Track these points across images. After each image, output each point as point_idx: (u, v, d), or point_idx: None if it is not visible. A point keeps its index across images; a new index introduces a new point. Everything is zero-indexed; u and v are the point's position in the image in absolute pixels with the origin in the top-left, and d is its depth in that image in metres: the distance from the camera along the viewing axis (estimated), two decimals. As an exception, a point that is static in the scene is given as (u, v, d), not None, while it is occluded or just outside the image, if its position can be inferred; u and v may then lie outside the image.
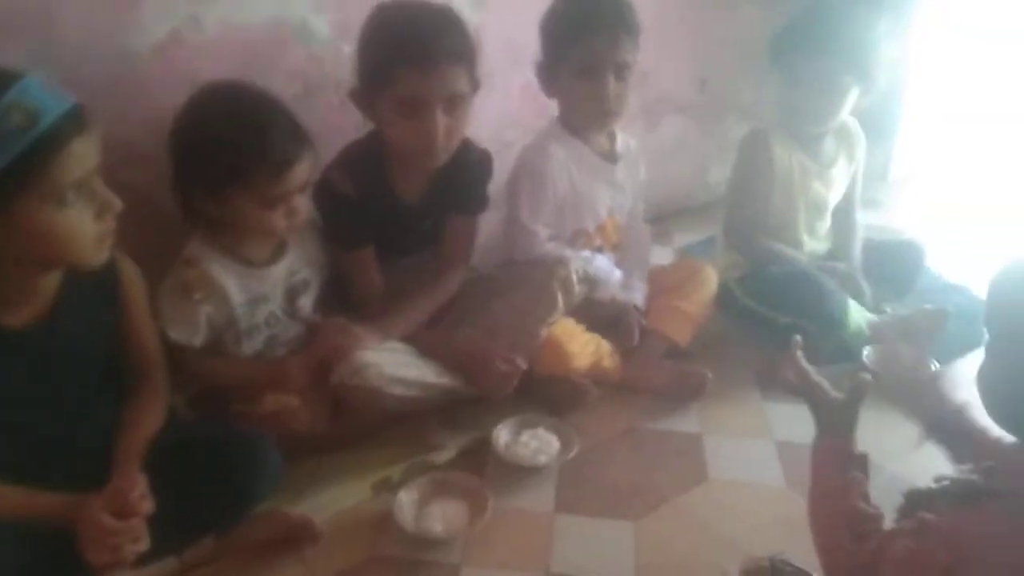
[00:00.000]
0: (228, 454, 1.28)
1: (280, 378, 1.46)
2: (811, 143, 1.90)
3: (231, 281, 1.44)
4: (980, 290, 2.09)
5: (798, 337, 1.24)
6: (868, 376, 1.16)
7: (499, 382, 1.57)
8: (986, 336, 0.99)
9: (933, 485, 1.08)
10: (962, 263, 2.19)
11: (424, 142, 1.51)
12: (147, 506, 1.13)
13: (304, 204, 1.42)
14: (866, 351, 1.80)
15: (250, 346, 1.51)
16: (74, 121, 1.04)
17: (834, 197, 1.96)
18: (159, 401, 1.32)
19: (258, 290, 1.48)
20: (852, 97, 1.80)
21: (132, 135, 1.55)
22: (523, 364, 1.57)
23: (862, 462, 1.11)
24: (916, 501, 1.09)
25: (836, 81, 1.78)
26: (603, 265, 1.79)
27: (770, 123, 1.92)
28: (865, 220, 2.08)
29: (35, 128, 0.99)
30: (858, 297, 1.87)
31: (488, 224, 1.83)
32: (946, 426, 1.60)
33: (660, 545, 1.37)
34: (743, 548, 1.33)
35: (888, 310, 1.92)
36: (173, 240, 1.54)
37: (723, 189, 2.74)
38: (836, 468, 1.09)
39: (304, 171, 1.39)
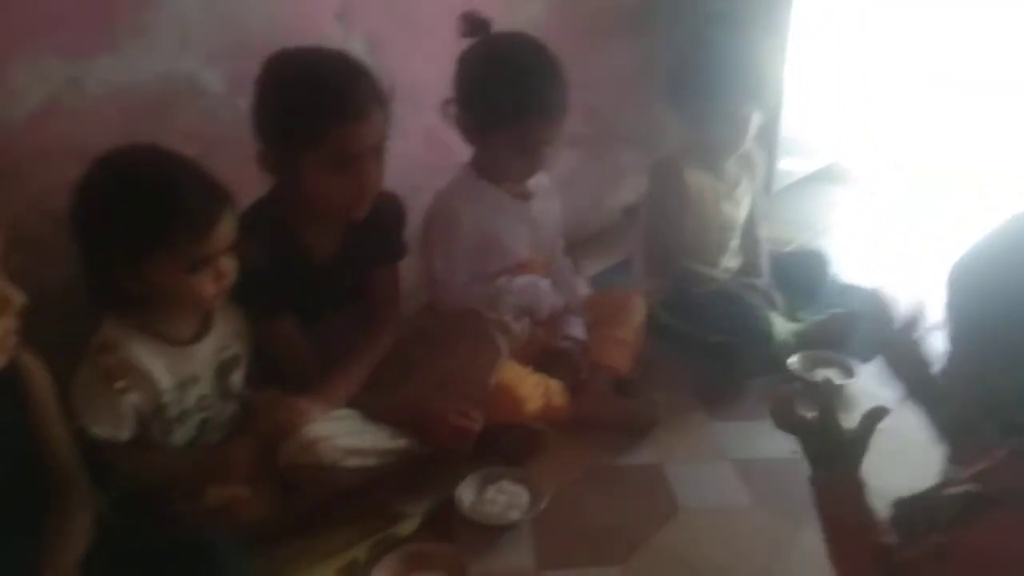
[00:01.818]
0: (190, 563, 1.14)
1: (223, 468, 1.32)
2: (717, 166, 1.97)
3: (156, 364, 1.30)
4: (871, 285, 2.26)
5: (790, 385, 1.21)
6: (884, 408, 1.12)
7: (457, 438, 1.50)
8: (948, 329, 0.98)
9: (922, 493, 1.09)
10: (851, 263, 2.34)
11: (354, 195, 1.44)
12: None
13: (231, 266, 1.30)
14: (791, 360, 1.87)
15: (182, 434, 1.36)
16: None
17: (742, 215, 2.03)
18: (83, 515, 1.17)
19: (187, 371, 1.34)
20: (756, 123, 1.88)
21: (12, 217, 1.37)
22: (479, 418, 1.51)
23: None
24: (907, 513, 1.09)
25: (741, 115, 1.85)
26: (525, 285, 1.76)
27: (676, 151, 1.97)
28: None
29: None
30: (774, 309, 1.95)
31: (403, 270, 1.76)
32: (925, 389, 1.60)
33: (653, 585, 1.34)
34: (732, 573, 1.32)
35: (802, 318, 2.01)
36: (70, 327, 1.37)
37: (618, 215, 2.84)
38: (853, 504, 1.05)
39: (228, 228, 1.28)
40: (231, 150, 1.61)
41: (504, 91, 1.59)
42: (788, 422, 1.15)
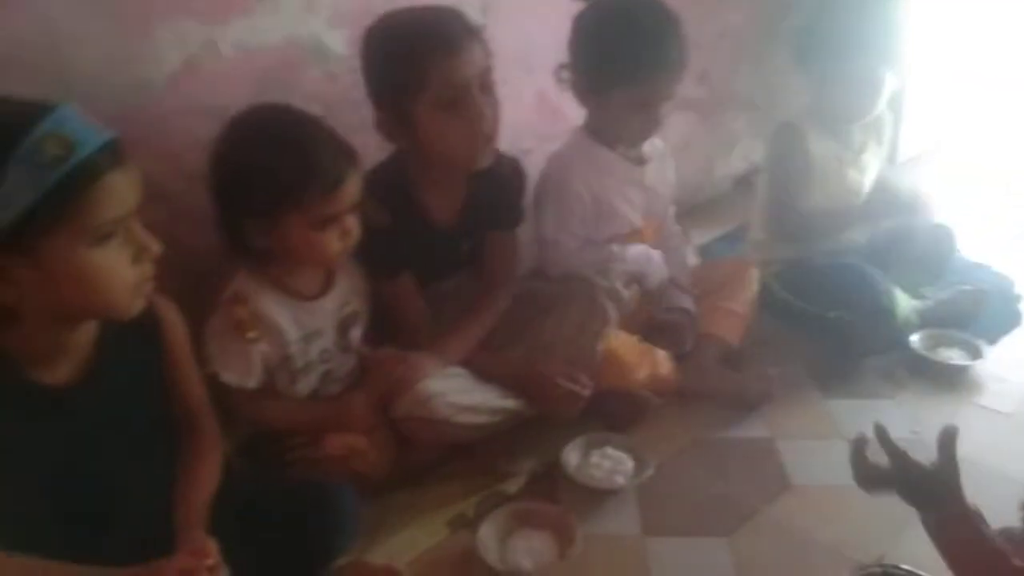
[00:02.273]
0: (307, 507, 1.20)
1: (344, 417, 1.38)
2: (841, 131, 1.88)
3: (284, 316, 1.36)
4: (1002, 266, 2.13)
5: (863, 435, 1.13)
6: (954, 427, 1.06)
7: (565, 403, 1.51)
8: None
9: None
10: (980, 241, 2.21)
11: (470, 136, 1.44)
12: (223, 575, 1.04)
13: (355, 225, 1.34)
14: (914, 338, 1.79)
15: (305, 384, 1.42)
16: (112, 154, 0.95)
17: (868, 183, 1.94)
18: (214, 455, 1.23)
19: (311, 324, 1.40)
20: (888, 87, 1.78)
21: (150, 171, 1.41)
22: (588, 383, 1.51)
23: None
24: None
25: (873, 77, 1.76)
26: (637, 255, 1.73)
27: (798, 116, 1.90)
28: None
29: (71, 159, 0.91)
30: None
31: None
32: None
33: (759, 559, 1.32)
34: (845, 554, 1.30)
35: (926, 294, 1.92)
36: (200, 280, 1.45)
37: (728, 183, 2.76)
38: (973, 535, 0.98)
39: (354, 188, 1.32)
40: (351, 112, 1.65)
41: (622, 47, 1.56)
42: (868, 480, 1.11)
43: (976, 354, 1.77)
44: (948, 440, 1.04)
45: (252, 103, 1.40)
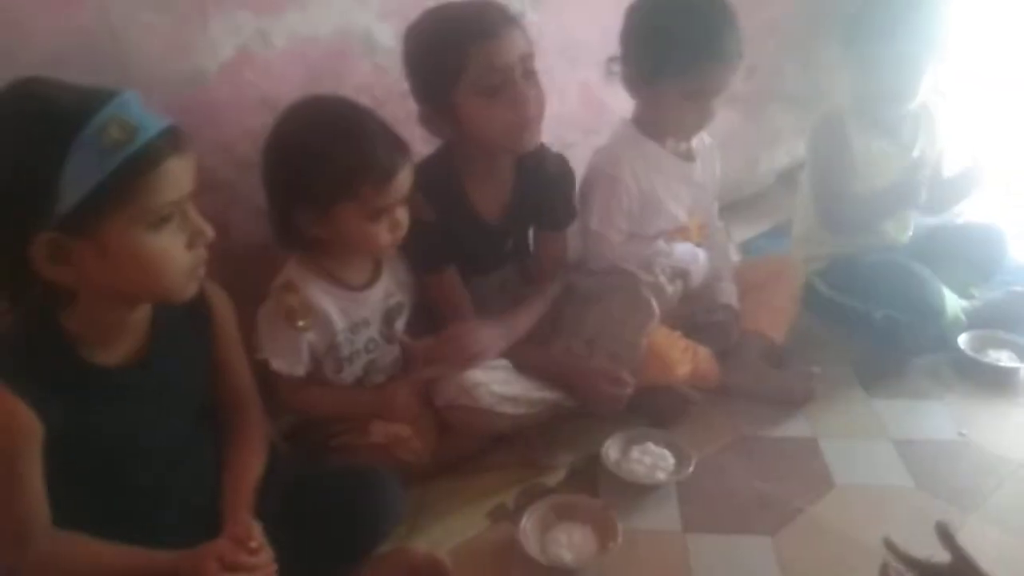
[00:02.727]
0: (352, 491, 1.22)
1: (389, 405, 1.40)
2: (889, 126, 1.84)
3: (333, 306, 1.38)
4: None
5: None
6: (946, 522, 1.09)
7: (609, 402, 1.52)
8: None
9: None
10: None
11: (514, 120, 1.43)
12: (266, 557, 1.06)
13: (405, 217, 1.36)
14: (962, 338, 1.76)
15: (350, 373, 1.44)
16: (171, 140, 0.97)
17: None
18: (261, 439, 1.25)
19: (358, 314, 1.41)
20: (930, 75, 1.75)
21: (204, 160, 1.45)
22: (631, 380, 1.51)
23: None
24: None
25: (917, 61, 1.73)
26: (684, 253, 1.73)
27: (840, 107, 1.87)
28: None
29: (133, 143, 0.93)
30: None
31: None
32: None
33: (803, 559, 1.31)
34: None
35: (975, 294, 1.88)
36: (250, 267, 1.48)
37: (771, 179, 2.73)
38: None
39: (406, 180, 1.33)
40: (398, 104, 1.66)
41: (676, 35, 1.54)
42: None
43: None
44: (945, 536, 1.06)
45: (304, 94, 1.42)
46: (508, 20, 1.43)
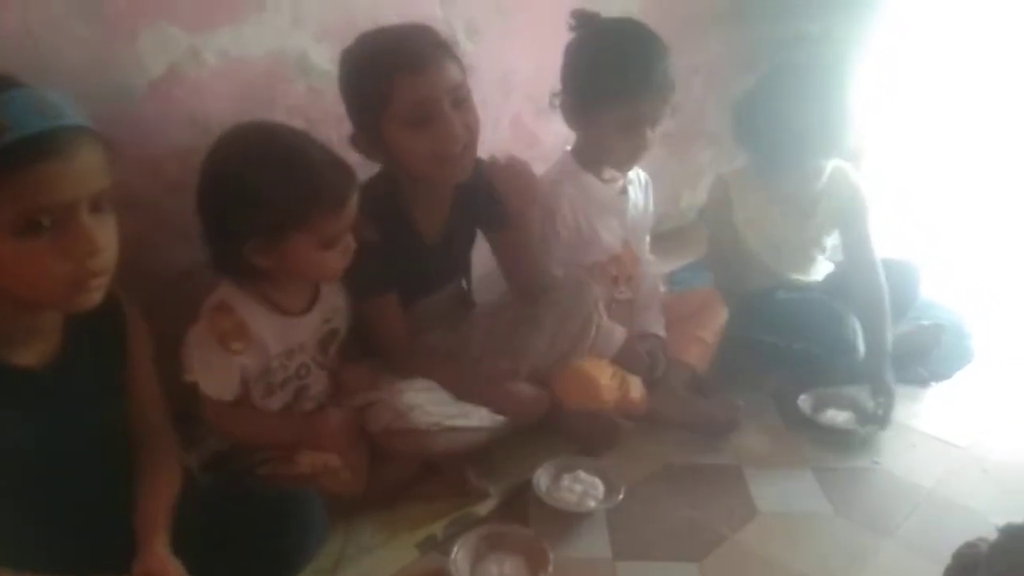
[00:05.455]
0: (273, 513, 1.18)
1: (321, 432, 1.36)
2: (786, 192, 1.88)
3: (268, 330, 1.34)
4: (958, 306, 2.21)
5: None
6: None
7: (525, 411, 1.55)
8: None
9: None
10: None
11: (442, 149, 1.41)
12: None
13: (352, 242, 1.33)
14: (801, 398, 1.77)
15: (280, 399, 1.41)
16: (50, 143, 0.91)
17: (821, 231, 1.93)
18: (175, 463, 1.20)
19: (295, 340, 1.38)
20: (828, 168, 1.83)
21: (128, 178, 1.42)
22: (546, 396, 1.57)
23: None
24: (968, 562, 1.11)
25: (812, 168, 1.81)
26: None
27: (738, 171, 1.92)
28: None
29: None
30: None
31: (487, 254, 1.78)
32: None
33: (730, 585, 1.34)
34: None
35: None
36: (175, 290, 1.43)
37: (693, 214, 2.82)
38: None
39: (355, 205, 1.31)
40: (333, 127, 1.65)
41: (610, 66, 1.59)
42: None
43: (864, 418, 1.73)
44: None
45: (237, 114, 1.39)
46: (438, 48, 1.41)
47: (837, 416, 1.74)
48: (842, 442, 1.69)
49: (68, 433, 1.05)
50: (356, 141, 1.48)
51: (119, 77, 1.41)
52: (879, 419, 1.72)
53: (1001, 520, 1.13)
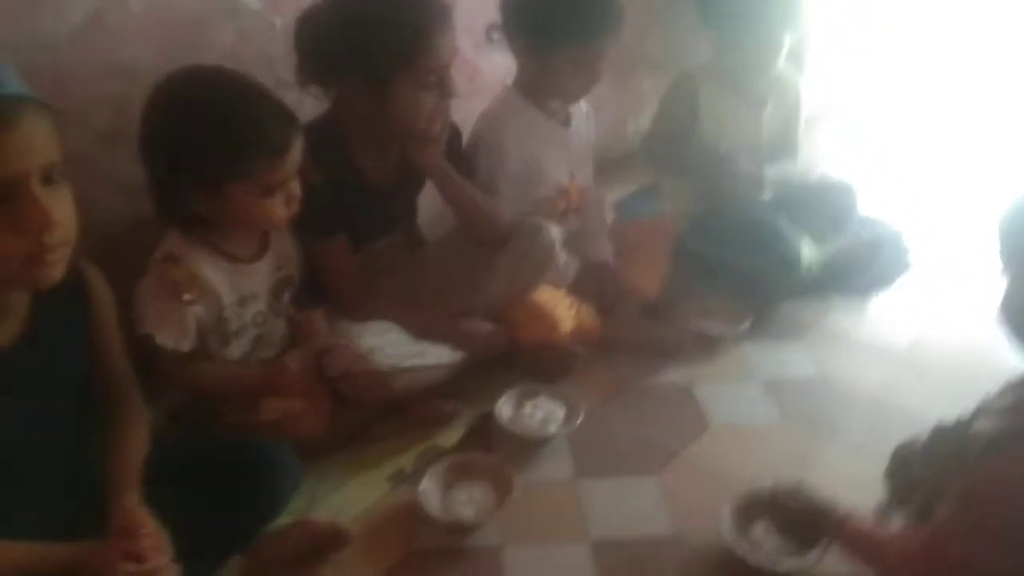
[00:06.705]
0: (244, 463, 1.20)
1: (280, 380, 1.37)
2: (740, 86, 1.93)
3: (220, 278, 1.33)
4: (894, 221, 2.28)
5: None
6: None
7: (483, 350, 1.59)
8: (1004, 269, 1.07)
9: (955, 425, 1.16)
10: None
11: (437, 111, 1.49)
12: (161, 542, 1.04)
13: (298, 189, 1.32)
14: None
15: (238, 347, 1.40)
16: None
17: (764, 139, 1.98)
18: (143, 421, 1.21)
19: (246, 288, 1.37)
20: (787, 45, 1.86)
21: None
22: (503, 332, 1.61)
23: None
24: (940, 442, 1.20)
25: (772, 42, 1.83)
26: None
27: (695, 69, 1.95)
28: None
29: None
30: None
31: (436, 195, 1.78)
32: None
33: (687, 493, 1.41)
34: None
35: (830, 243, 2.02)
36: (117, 245, 1.40)
37: (638, 141, 2.82)
38: (858, 535, 1.18)
39: (298, 152, 1.29)
40: (265, 70, 1.61)
41: (570, 7, 1.61)
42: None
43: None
44: (798, 495, 1.27)
45: (169, 67, 1.33)
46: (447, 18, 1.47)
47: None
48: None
49: (40, 408, 1.05)
50: (343, 84, 1.48)
51: (38, 26, 1.35)
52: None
53: (937, 419, 1.22)
